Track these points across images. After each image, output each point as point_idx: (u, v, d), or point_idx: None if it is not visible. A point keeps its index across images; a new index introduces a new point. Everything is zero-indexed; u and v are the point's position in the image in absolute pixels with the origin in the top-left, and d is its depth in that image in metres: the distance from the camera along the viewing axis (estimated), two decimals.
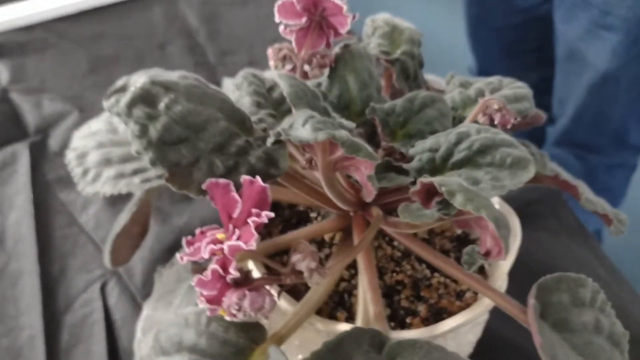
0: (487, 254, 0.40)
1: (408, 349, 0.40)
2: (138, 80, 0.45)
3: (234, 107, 0.48)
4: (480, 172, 0.45)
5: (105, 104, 0.45)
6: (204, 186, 0.44)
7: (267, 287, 0.42)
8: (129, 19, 1.16)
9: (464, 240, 0.59)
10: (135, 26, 1.15)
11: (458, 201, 0.38)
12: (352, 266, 0.56)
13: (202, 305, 0.41)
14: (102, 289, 0.74)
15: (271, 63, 0.57)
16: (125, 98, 0.44)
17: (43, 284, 0.74)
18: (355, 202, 0.53)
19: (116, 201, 0.84)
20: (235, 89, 0.58)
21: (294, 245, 0.42)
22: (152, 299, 0.59)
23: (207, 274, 0.39)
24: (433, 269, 0.56)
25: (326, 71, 0.57)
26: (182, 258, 0.42)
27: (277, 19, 0.55)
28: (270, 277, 0.42)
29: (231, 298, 0.40)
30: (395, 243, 0.58)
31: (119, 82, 0.46)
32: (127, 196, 0.85)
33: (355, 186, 0.54)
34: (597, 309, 0.47)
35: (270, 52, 0.57)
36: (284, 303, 0.50)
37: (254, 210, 0.40)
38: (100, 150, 0.55)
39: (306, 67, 0.57)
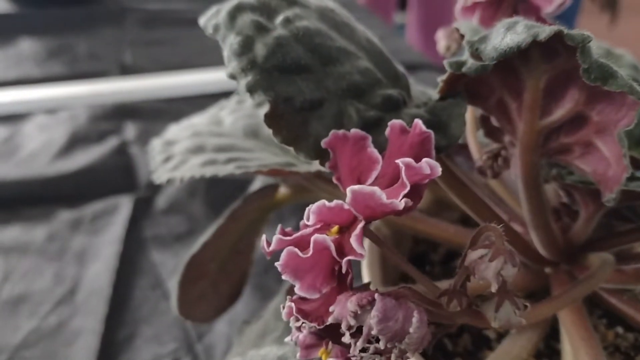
0: None
1: None
2: None
3: (384, 55, 0.32)
4: None
5: (202, 19, 0.30)
6: (324, 143, 0.26)
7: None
8: None
9: None
10: None
11: None
12: (546, 355, 0.34)
13: (292, 320, 0.22)
14: None
15: (441, 44, 0.41)
16: (229, 5, 0.29)
17: (103, 349, 0.57)
18: (560, 248, 0.32)
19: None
20: None
21: (475, 235, 0.22)
22: None
23: (308, 250, 0.21)
24: None
25: None
26: (267, 244, 0.24)
27: None
28: (414, 292, 0.22)
29: (346, 303, 0.20)
30: (620, 330, 0.35)
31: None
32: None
33: (561, 221, 0.34)
34: None
35: (441, 32, 0.41)
36: None
37: (405, 160, 0.22)
38: (194, 139, 0.41)
39: None
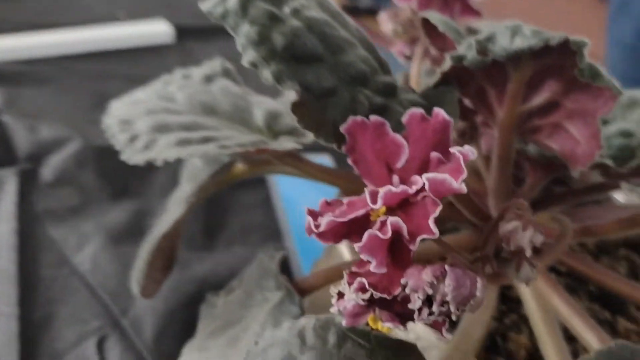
0: None
1: None
2: None
3: (371, 44, 0.34)
4: None
5: (205, 5, 0.31)
6: (343, 128, 0.29)
7: None
8: (141, 62, 1.05)
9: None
10: (149, 69, 1.03)
11: None
12: (504, 300, 0.40)
13: (357, 294, 0.24)
14: (100, 346, 0.55)
15: (387, 28, 0.44)
16: None
17: (23, 332, 0.54)
18: None
19: (121, 240, 0.67)
20: None
21: (503, 209, 0.26)
22: (196, 340, 0.41)
23: (374, 234, 0.23)
24: (613, 310, 0.40)
25: None
26: (315, 226, 0.26)
27: None
28: (461, 260, 0.26)
29: (420, 275, 0.23)
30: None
31: None
32: (134, 235, 0.68)
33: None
34: None
35: (383, 15, 0.45)
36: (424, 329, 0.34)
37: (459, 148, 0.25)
38: (151, 117, 0.40)
39: None
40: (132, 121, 0.40)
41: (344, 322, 0.27)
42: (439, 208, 0.23)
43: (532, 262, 0.27)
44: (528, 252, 0.25)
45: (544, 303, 0.33)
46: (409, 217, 0.24)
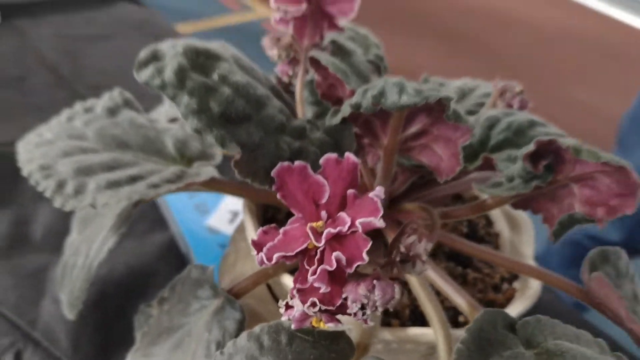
0: (610, 211, 0.38)
1: (536, 325, 0.36)
2: (174, 47, 0.37)
3: (275, 86, 0.41)
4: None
5: (140, 75, 0.35)
6: (273, 173, 0.36)
7: None
8: None
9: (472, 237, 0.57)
10: None
11: (585, 155, 0.35)
12: None
13: (310, 308, 0.33)
14: None
15: (271, 53, 0.50)
16: (170, 66, 0.35)
17: None
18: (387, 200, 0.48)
19: (8, 252, 0.68)
20: None
21: (404, 226, 0.36)
22: (139, 348, 0.46)
23: (324, 268, 0.32)
24: (463, 265, 0.52)
25: None
26: (269, 259, 0.33)
27: (273, 4, 0.50)
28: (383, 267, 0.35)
29: (357, 291, 0.32)
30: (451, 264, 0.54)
31: (144, 53, 0.36)
32: (21, 245, 0.69)
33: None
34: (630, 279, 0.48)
35: (267, 41, 0.51)
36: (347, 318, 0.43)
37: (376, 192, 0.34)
38: (70, 159, 0.43)
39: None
40: (51, 166, 0.43)
41: (292, 326, 0.35)
42: (370, 243, 0.32)
43: (423, 260, 0.37)
44: (424, 257, 0.35)
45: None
46: (344, 247, 0.33)
